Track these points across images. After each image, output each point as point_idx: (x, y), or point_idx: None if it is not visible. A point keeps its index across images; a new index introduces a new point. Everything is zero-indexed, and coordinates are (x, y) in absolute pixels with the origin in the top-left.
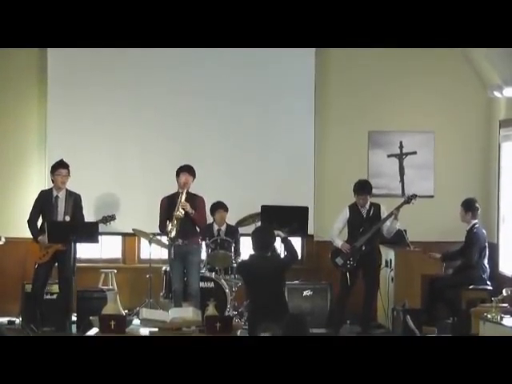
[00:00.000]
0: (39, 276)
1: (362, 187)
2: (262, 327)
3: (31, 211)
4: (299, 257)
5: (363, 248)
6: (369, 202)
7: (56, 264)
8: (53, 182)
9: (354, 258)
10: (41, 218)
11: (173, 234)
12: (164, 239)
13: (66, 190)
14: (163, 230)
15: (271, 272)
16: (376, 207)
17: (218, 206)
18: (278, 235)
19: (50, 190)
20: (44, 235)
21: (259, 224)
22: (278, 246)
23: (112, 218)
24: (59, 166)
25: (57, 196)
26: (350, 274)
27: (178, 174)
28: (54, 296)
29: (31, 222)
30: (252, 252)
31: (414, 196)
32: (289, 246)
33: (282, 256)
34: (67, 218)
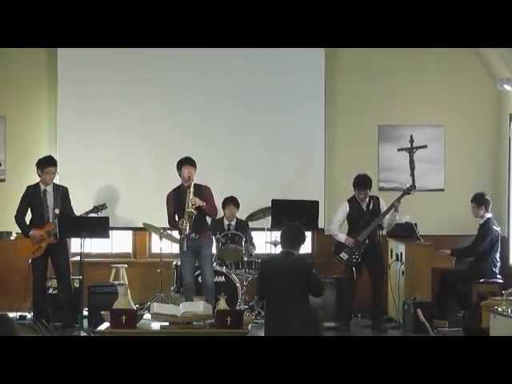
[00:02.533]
0: (36, 270)
1: (362, 182)
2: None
3: (19, 207)
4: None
5: (367, 242)
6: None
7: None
8: (39, 176)
9: (359, 252)
10: (29, 213)
11: (187, 231)
12: (174, 234)
13: (53, 183)
14: (172, 225)
15: (292, 273)
16: (375, 200)
17: (229, 201)
18: None
19: (37, 184)
20: (35, 230)
21: (270, 218)
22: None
23: (103, 207)
24: (48, 165)
25: (45, 190)
26: (356, 269)
27: (179, 167)
28: None
29: (19, 218)
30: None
31: (414, 187)
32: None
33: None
34: (57, 211)
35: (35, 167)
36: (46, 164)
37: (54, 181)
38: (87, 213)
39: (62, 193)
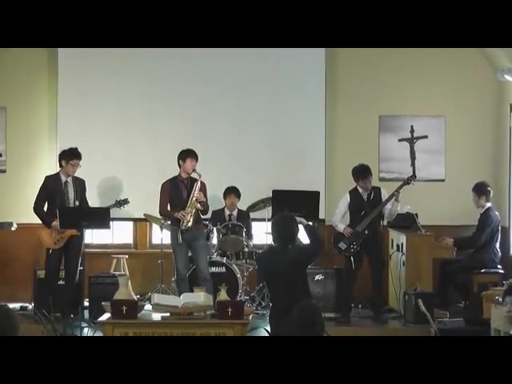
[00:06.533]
0: (53, 262)
1: (364, 171)
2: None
3: (38, 197)
4: (325, 245)
5: (366, 232)
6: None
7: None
8: (61, 166)
9: (357, 241)
10: (47, 203)
11: (190, 224)
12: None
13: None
14: (164, 214)
15: (293, 265)
16: (376, 190)
17: (230, 191)
18: (301, 222)
19: (57, 175)
20: (57, 221)
21: (270, 209)
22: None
23: (125, 201)
24: (75, 157)
25: (66, 181)
26: (355, 259)
27: (183, 158)
28: None
29: (40, 209)
30: (270, 243)
31: (414, 177)
32: (313, 234)
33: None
34: (77, 203)
35: (58, 157)
36: (73, 156)
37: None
38: (110, 207)
39: (80, 185)
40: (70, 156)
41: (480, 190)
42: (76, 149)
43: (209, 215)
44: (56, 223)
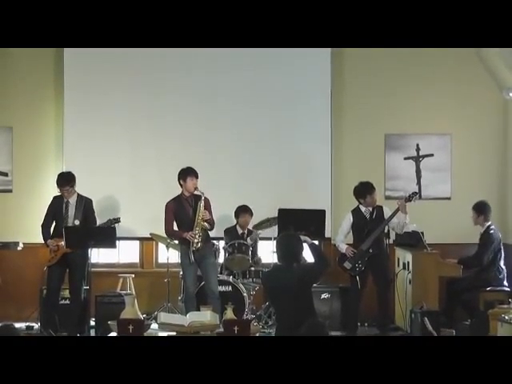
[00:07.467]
0: (50, 279)
1: (368, 185)
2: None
3: (44, 217)
4: (329, 264)
5: (370, 250)
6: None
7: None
8: None
9: (362, 260)
10: (54, 223)
11: (199, 244)
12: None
13: (78, 194)
14: (171, 234)
15: (298, 284)
16: (379, 208)
17: (244, 210)
18: (305, 241)
19: (62, 195)
20: (53, 239)
21: (276, 227)
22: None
23: (117, 220)
24: (61, 185)
25: (67, 201)
26: (360, 277)
27: (183, 178)
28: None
29: (44, 228)
30: (276, 261)
31: (415, 193)
32: (317, 253)
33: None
34: (76, 222)
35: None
36: (59, 184)
37: (87, 191)
38: (101, 226)
39: (85, 204)
40: (58, 182)
41: (479, 208)
42: (66, 174)
43: (220, 233)
44: (50, 241)
